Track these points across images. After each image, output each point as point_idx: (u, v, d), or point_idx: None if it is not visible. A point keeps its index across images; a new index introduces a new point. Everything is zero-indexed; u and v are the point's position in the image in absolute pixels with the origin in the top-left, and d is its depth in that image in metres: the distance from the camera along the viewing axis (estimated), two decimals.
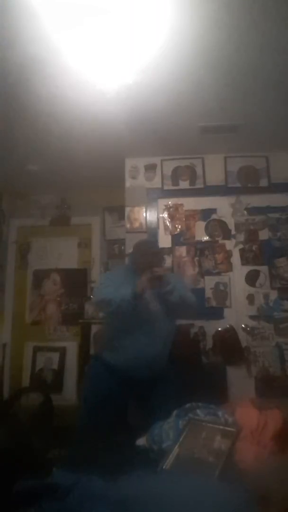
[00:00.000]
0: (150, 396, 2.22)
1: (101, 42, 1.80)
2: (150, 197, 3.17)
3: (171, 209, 3.13)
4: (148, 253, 2.28)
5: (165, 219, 3.13)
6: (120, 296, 2.08)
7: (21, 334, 3.72)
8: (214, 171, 3.14)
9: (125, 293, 2.07)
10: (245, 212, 3.07)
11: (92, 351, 3.27)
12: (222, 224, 3.07)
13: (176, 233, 3.09)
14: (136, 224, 3.14)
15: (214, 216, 3.09)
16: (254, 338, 2.85)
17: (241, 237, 3.03)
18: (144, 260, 2.22)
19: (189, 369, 2.81)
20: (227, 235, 3.05)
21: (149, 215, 3.14)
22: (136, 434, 1.79)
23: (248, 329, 2.86)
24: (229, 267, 2.99)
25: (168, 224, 3.11)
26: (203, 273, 3.00)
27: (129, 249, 3.04)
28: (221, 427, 1.62)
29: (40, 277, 3.80)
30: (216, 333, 2.88)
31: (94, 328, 3.36)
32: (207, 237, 3.06)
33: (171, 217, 3.12)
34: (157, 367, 2.23)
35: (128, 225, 3.15)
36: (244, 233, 3.03)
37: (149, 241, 2.51)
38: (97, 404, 2.21)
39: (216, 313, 2.91)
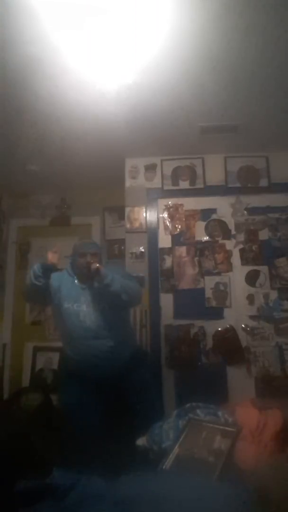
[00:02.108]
0: (119, 395, 2.24)
1: (101, 42, 1.80)
2: (150, 197, 3.16)
3: (171, 209, 3.13)
4: (86, 254, 2.34)
5: (165, 219, 3.12)
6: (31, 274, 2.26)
7: (21, 334, 3.71)
8: (214, 171, 3.14)
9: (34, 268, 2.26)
10: (245, 212, 3.06)
11: None
12: (222, 224, 3.07)
13: (176, 233, 3.09)
14: (136, 224, 3.13)
15: (214, 216, 3.09)
16: (254, 338, 2.84)
17: (241, 237, 3.02)
18: (83, 261, 2.31)
19: (189, 369, 2.83)
20: (227, 235, 3.05)
21: (149, 215, 3.14)
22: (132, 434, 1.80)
23: (248, 329, 2.86)
24: (229, 267, 2.99)
25: (168, 224, 3.11)
26: (203, 273, 2.99)
27: (129, 249, 3.04)
28: (221, 427, 1.63)
29: None
30: (216, 333, 2.87)
31: None
32: (207, 237, 3.06)
33: (171, 217, 3.12)
34: (112, 363, 2.23)
35: (128, 225, 3.15)
36: (244, 233, 3.02)
37: (88, 243, 2.54)
38: (70, 406, 2.30)
39: (216, 313, 2.91)
